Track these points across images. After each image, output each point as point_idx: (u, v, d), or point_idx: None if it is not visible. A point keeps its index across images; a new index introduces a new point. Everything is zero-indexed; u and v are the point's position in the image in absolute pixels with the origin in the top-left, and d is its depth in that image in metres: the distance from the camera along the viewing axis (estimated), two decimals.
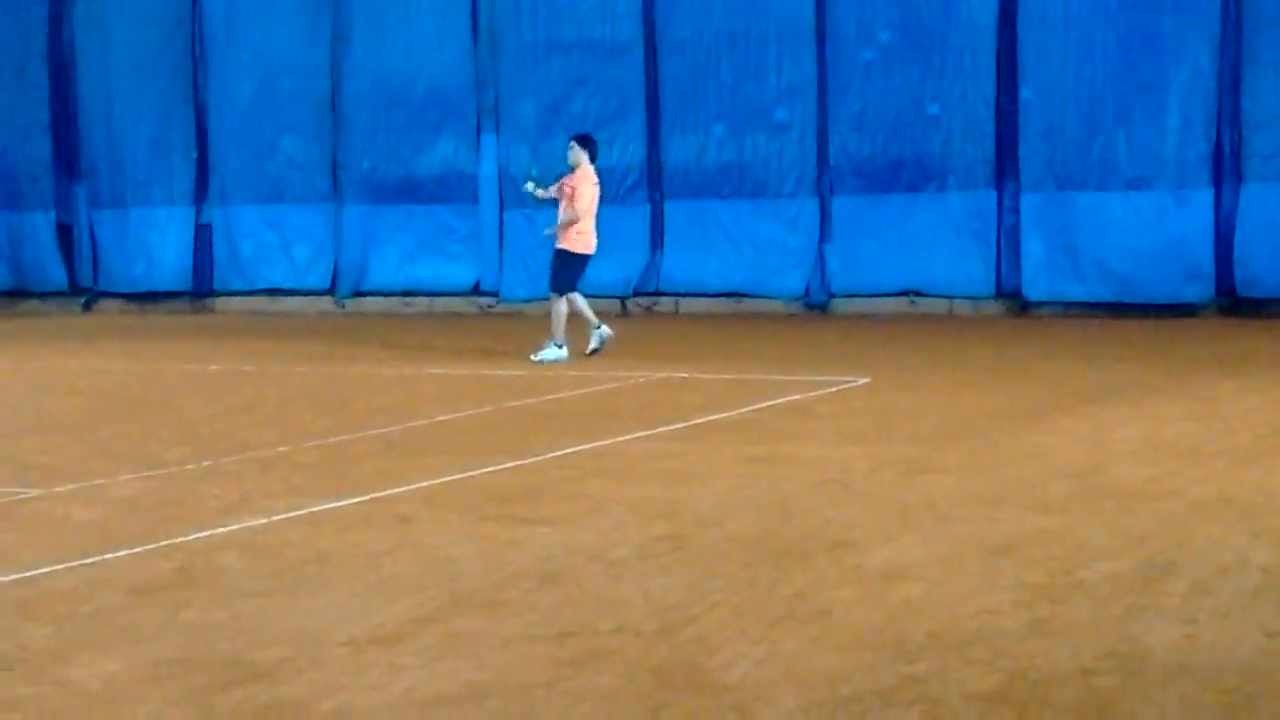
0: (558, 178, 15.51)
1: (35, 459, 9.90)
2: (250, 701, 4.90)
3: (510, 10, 22.26)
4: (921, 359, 14.95)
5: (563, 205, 15.13)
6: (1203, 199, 18.89)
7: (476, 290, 22.75)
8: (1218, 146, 18.86)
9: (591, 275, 22.11)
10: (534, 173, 16.45)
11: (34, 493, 8.60)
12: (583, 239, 15.11)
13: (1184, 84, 18.88)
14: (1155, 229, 19.11)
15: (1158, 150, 19.08)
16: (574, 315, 15.14)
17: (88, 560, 6.83)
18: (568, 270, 15.16)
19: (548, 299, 15.60)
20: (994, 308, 19.92)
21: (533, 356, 14.85)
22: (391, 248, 23.18)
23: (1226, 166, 18.90)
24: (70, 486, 8.73)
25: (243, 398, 13.20)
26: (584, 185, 15.03)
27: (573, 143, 15.38)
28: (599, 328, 15.15)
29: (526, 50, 22.19)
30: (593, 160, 15.24)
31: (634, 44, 21.61)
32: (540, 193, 15.42)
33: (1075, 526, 7.14)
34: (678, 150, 21.53)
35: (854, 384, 12.92)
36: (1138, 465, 8.75)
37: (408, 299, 23.01)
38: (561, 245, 15.11)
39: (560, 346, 14.90)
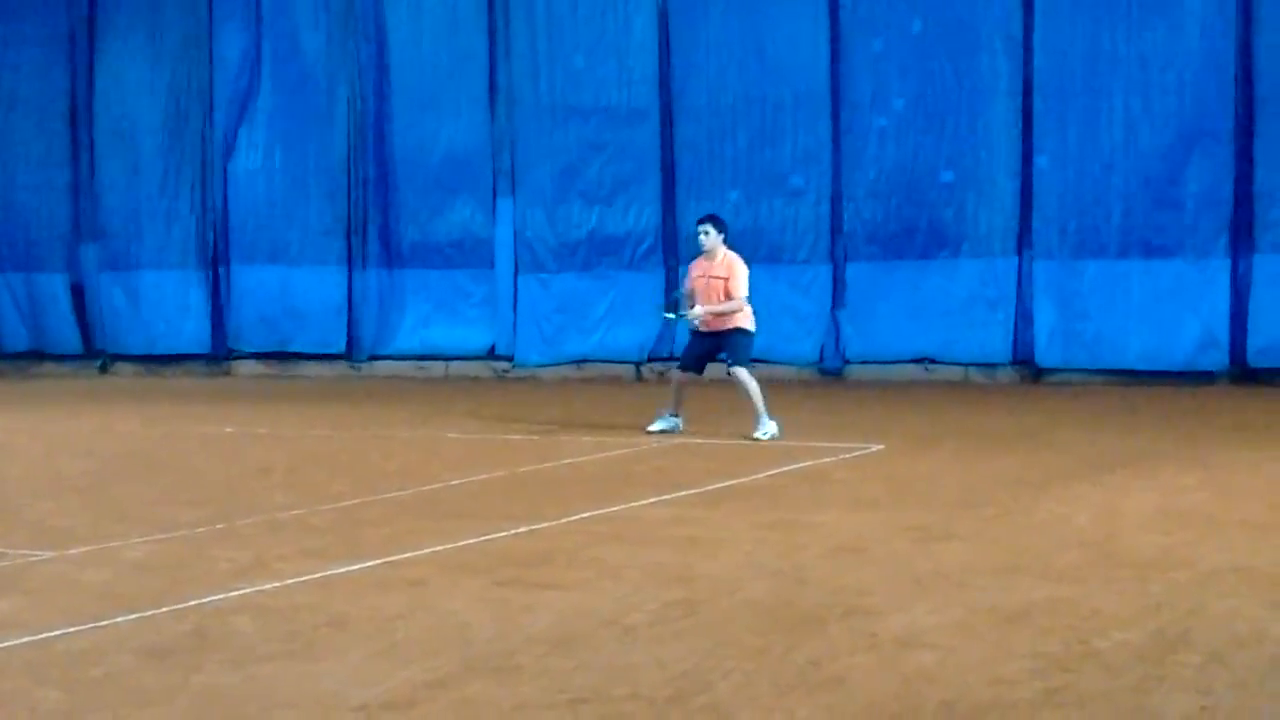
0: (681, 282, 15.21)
1: (49, 521, 9.91)
2: None
3: (527, 75, 22.39)
4: (936, 426, 14.93)
5: (708, 295, 14.23)
6: (1219, 268, 18.87)
7: (492, 354, 22.79)
8: (1234, 216, 18.87)
9: (606, 340, 22.36)
10: (678, 297, 15.59)
11: (47, 555, 8.60)
12: (751, 315, 14.42)
13: (1201, 153, 18.91)
14: (1171, 297, 19.09)
15: (1174, 219, 19.08)
16: (674, 391, 14.63)
17: (99, 623, 6.82)
18: (748, 346, 14.41)
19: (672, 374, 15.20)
20: (1009, 375, 19.88)
21: (756, 435, 13.89)
22: (407, 312, 23.25)
23: (1242, 236, 18.90)
24: (83, 549, 8.73)
25: (257, 460, 13.21)
26: (739, 267, 14.26)
27: (709, 227, 14.28)
28: (676, 417, 14.51)
29: (543, 115, 22.31)
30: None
31: (650, 110, 21.72)
32: (692, 315, 14.35)
33: (1089, 595, 7.10)
34: (693, 216, 21.48)
35: (868, 451, 12.90)
36: (1152, 534, 8.72)
37: (423, 363, 23.04)
38: (739, 325, 14.26)
39: (771, 419, 14.01)
